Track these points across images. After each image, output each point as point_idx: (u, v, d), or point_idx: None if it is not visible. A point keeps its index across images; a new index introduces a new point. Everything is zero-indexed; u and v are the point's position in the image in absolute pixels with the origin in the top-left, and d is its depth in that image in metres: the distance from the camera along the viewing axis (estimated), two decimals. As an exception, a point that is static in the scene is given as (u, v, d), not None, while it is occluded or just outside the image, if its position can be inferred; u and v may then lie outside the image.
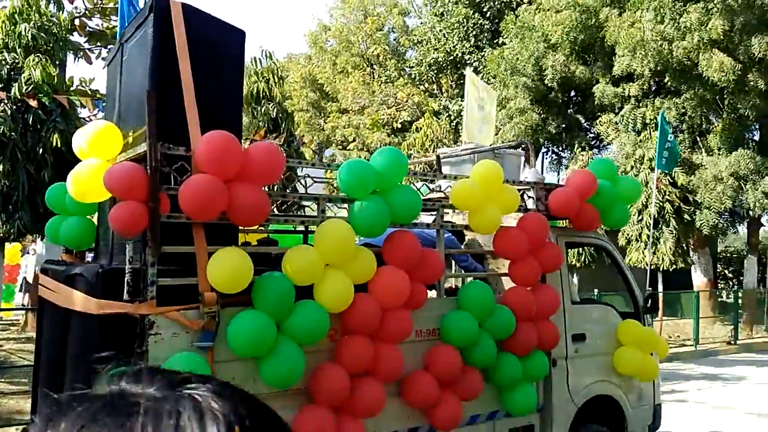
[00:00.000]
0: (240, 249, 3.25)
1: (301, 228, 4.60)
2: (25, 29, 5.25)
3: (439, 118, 20.31)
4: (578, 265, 14.97)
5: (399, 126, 22.15)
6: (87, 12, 8.46)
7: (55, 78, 5.39)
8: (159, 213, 3.25)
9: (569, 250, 5.66)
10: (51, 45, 5.45)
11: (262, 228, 4.61)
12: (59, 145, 5.31)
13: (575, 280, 14.64)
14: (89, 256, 4.44)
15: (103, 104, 5.85)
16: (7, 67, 5.37)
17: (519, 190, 4.47)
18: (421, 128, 19.93)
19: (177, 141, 3.32)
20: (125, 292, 3.26)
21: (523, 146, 5.82)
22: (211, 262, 3.07)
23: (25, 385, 6.72)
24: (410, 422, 3.88)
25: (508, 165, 5.10)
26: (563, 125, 16.71)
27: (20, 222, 5.27)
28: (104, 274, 3.23)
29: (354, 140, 22.72)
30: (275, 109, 9.96)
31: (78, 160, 5.51)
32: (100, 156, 3.39)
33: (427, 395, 3.70)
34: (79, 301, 3.23)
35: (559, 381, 4.55)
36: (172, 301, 3.25)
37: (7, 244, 12.19)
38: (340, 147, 23.76)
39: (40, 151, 5.30)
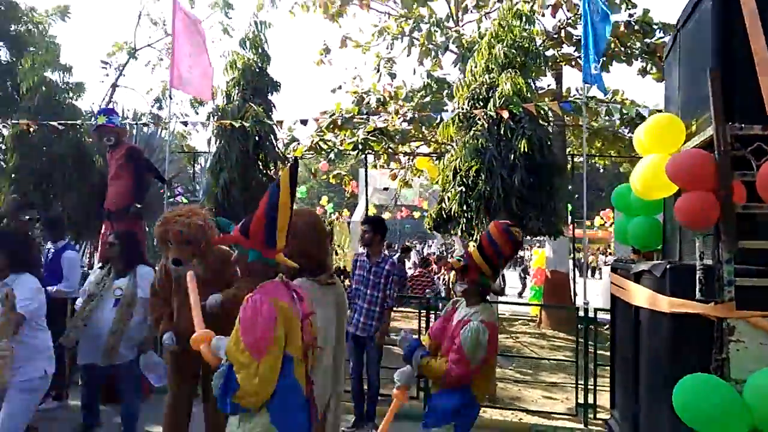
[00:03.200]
0: None
1: None
2: (499, 49, 5.78)
3: None
4: None
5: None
6: (570, 21, 9.19)
7: (524, 88, 5.74)
8: (732, 203, 2.88)
9: None
10: (523, 59, 5.84)
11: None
12: (527, 150, 5.63)
13: None
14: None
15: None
16: (486, 86, 5.92)
17: None
18: None
19: (750, 120, 2.91)
20: (697, 290, 2.96)
21: None
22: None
23: (528, 375, 7.32)
24: None
25: None
26: None
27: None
28: (672, 271, 3.01)
29: None
30: None
31: (547, 162, 5.87)
32: (662, 150, 3.23)
33: None
34: (647, 298, 3.09)
35: None
36: (755, 304, 2.83)
37: (536, 249, 13.90)
38: None
39: (511, 156, 5.69)
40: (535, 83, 6.09)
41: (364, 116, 8.09)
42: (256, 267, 2.42)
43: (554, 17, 10.24)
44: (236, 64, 6.91)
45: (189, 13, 7.29)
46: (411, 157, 11.15)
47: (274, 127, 6.94)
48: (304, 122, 6.98)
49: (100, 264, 5.04)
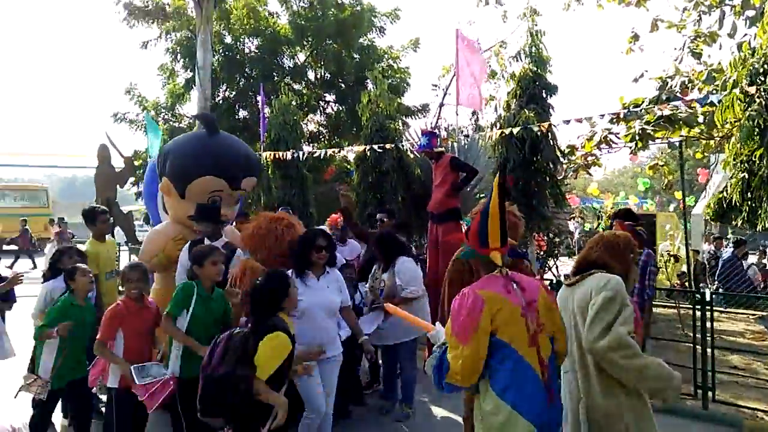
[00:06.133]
0: None
1: None
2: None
3: None
4: None
5: None
6: None
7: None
8: None
9: None
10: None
11: None
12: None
13: None
14: None
15: None
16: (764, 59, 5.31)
17: None
18: None
19: None
20: None
21: None
22: None
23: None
24: None
25: None
26: None
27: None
28: None
29: None
30: None
31: None
32: None
33: None
34: None
35: None
36: None
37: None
38: None
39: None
40: None
41: (652, 105, 7.71)
42: (476, 262, 2.84)
43: None
44: (514, 76, 7.59)
45: (468, 38, 8.21)
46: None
47: (553, 128, 7.35)
48: (566, 122, 7.19)
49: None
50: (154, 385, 3.63)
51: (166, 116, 16.25)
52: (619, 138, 8.30)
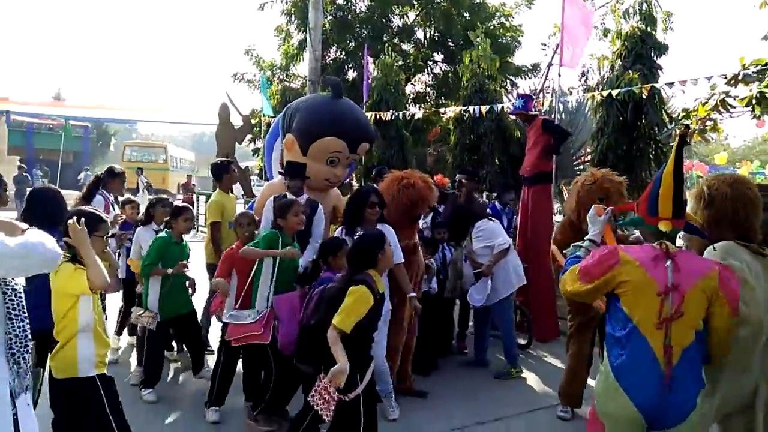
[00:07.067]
0: None
1: None
2: None
3: None
4: None
5: None
6: None
7: None
8: None
9: None
10: None
11: None
12: None
13: None
14: None
15: None
16: None
17: None
18: None
19: None
20: None
21: None
22: None
23: None
24: None
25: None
26: None
27: None
28: None
29: None
30: None
31: None
32: None
33: None
34: None
35: None
36: None
37: None
38: None
39: None
40: None
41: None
42: (643, 231, 2.71)
43: None
44: (620, 34, 7.21)
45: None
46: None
47: (662, 90, 6.94)
48: (669, 84, 6.73)
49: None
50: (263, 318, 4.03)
51: (281, 77, 17.03)
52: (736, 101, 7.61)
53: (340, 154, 5.45)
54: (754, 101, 7.25)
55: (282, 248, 4.11)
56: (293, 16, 16.32)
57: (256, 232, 4.70)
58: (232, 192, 6.13)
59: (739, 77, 7.40)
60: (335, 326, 3.07)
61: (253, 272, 4.14)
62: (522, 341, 6.33)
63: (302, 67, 16.90)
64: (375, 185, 6.95)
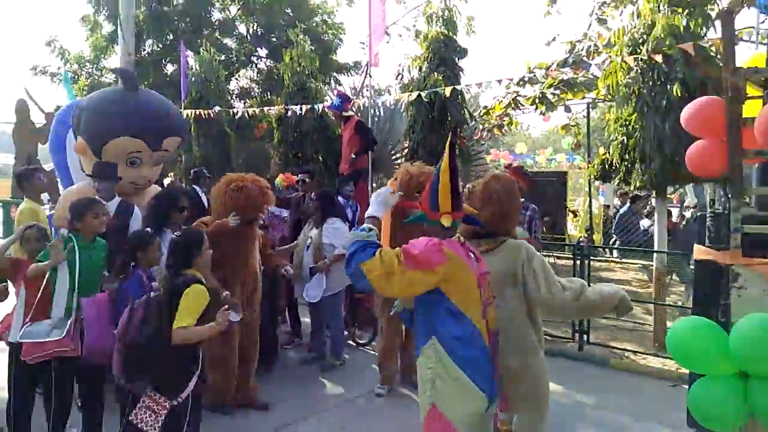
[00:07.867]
0: None
1: None
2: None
3: None
4: None
5: None
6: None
7: (681, 28, 5.34)
8: (741, 149, 2.83)
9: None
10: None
11: None
12: (679, 94, 5.28)
13: None
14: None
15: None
16: (643, 29, 5.64)
17: None
18: None
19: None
20: (706, 237, 3.02)
21: None
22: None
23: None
24: None
25: None
26: None
27: (652, 175, 5.54)
28: (699, 219, 3.06)
29: None
30: None
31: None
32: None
33: None
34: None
35: None
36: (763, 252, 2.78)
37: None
38: None
39: (663, 102, 5.43)
40: (712, 23, 5.36)
41: (562, 69, 8.08)
42: (428, 228, 2.65)
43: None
44: (426, 38, 7.80)
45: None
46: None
47: (464, 91, 7.64)
48: (467, 86, 7.52)
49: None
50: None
51: (90, 70, 15.68)
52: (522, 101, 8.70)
53: (141, 153, 5.02)
54: (537, 101, 8.34)
55: (79, 252, 3.83)
56: (101, 5, 15.08)
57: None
58: (40, 200, 5.54)
59: (525, 79, 8.44)
60: (180, 327, 3.04)
61: (45, 280, 3.76)
62: (362, 341, 6.58)
63: (114, 60, 15.71)
64: (194, 187, 6.78)
